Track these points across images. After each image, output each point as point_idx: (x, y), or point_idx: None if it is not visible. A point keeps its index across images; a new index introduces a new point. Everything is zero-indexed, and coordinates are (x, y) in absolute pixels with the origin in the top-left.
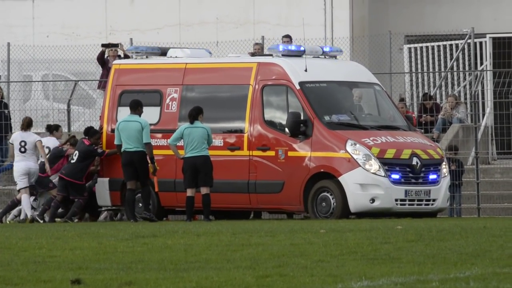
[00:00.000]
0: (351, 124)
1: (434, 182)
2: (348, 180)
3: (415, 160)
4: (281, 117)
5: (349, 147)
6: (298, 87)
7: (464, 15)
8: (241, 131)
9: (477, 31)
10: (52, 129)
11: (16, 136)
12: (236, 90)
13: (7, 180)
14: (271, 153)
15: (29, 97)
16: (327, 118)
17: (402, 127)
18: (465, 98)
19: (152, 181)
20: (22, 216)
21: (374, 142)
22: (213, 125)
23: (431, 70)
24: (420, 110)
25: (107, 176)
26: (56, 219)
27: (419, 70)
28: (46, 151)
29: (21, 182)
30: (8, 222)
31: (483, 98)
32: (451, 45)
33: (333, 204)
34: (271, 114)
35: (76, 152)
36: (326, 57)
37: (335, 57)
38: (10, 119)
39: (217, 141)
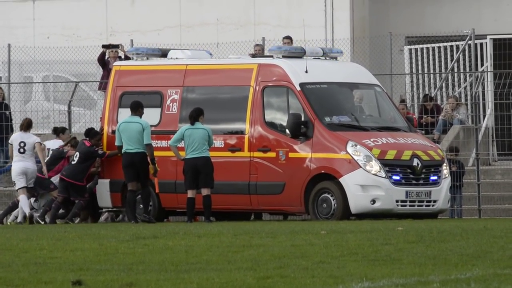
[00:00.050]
0: (351, 125)
1: (435, 183)
2: (349, 181)
3: (415, 161)
4: (281, 118)
5: (349, 148)
6: (298, 88)
7: (464, 16)
8: (241, 132)
9: (478, 32)
10: (59, 132)
11: (16, 137)
12: (237, 91)
13: (7, 182)
14: (271, 154)
15: (30, 98)
16: (327, 119)
17: (403, 128)
18: (466, 99)
19: (153, 182)
20: (19, 219)
21: (375, 143)
22: (214, 126)
23: (431, 71)
24: (421, 111)
25: (107, 178)
26: (57, 220)
27: (420, 71)
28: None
29: (18, 182)
30: (9, 223)
31: (483, 99)
32: (451, 46)
33: (334, 205)
34: (271, 115)
35: (77, 153)
36: (327, 58)
37: (335, 58)
38: (11, 120)
39: (218, 142)
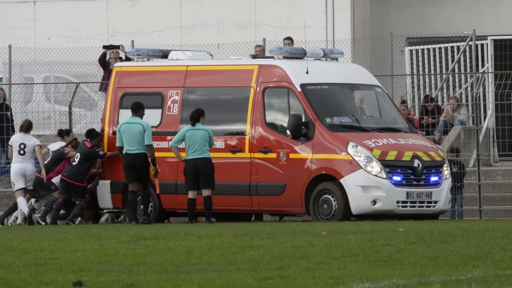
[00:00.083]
0: (352, 126)
1: (436, 184)
2: (350, 182)
3: (416, 162)
4: (282, 119)
5: (350, 149)
6: (299, 89)
7: (465, 17)
8: (242, 133)
9: (479, 33)
10: (63, 134)
11: (16, 138)
12: (238, 92)
13: (8, 183)
14: (272, 155)
15: (31, 99)
16: (328, 120)
17: (404, 129)
18: (467, 100)
19: (154, 183)
20: (19, 221)
21: (376, 144)
22: (215, 127)
23: (432, 72)
24: (422, 112)
25: (108, 178)
26: (58, 221)
27: (421, 72)
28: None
29: (17, 183)
30: (9, 224)
31: (484, 100)
32: (452, 47)
33: (335, 206)
34: (272, 116)
35: (78, 154)
36: (328, 59)
37: (336, 59)
38: (13, 121)
39: (219, 143)
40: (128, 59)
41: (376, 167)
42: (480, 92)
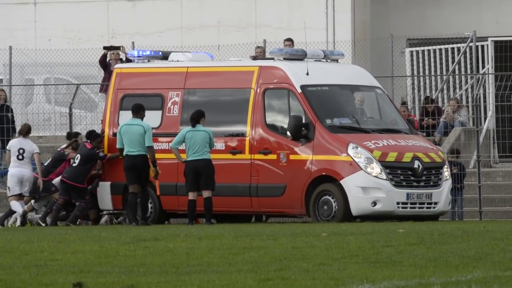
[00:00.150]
0: (352, 128)
1: (436, 185)
2: (350, 183)
3: (416, 163)
4: (282, 121)
5: (350, 151)
6: (299, 90)
7: (466, 19)
8: (242, 134)
9: (479, 34)
10: (72, 136)
11: (15, 143)
12: (238, 93)
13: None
14: (272, 156)
15: (31, 100)
16: (328, 121)
17: (404, 130)
18: (467, 102)
19: (154, 185)
20: (18, 223)
21: (376, 145)
22: (215, 128)
23: (433, 73)
24: (422, 114)
25: (108, 180)
26: (58, 222)
27: (421, 74)
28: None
29: (13, 189)
30: (10, 225)
31: (485, 101)
32: (453, 48)
33: (335, 207)
34: (272, 117)
35: (78, 155)
36: (328, 60)
37: (336, 60)
38: (14, 122)
39: (219, 144)
40: (128, 60)
41: (376, 168)
42: (480, 93)
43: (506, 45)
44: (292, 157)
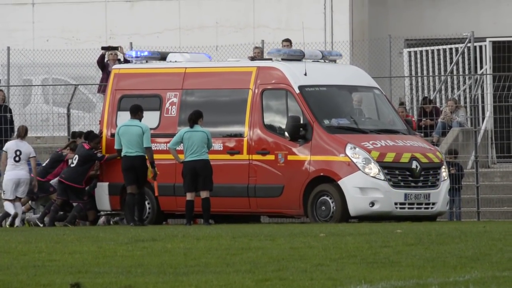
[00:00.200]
0: (350, 128)
1: (434, 185)
2: (348, 184)
3: (414, 164)
4: (280, 121)
5: (348, 151)
6: (297, 91)
7: (463, 19)
8: (240, 135)
9: (477, 35)
10: (76, 136)
11: (12, 145)
12: (236, 94)
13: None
14: (270, 157)
15: (29, 101)
16: (326, 122)
17: (402, 131)
18: (465, 102)
19: (152, 186)
20: (17, 223)
21: (374, 146)
22: (213, 129)
23: (431, 74)
24: (420, 114)
25: (106, 181)
26: (56, 223)
27: (419, 74)
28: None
29: (8, 193)
30: (7, 226)
31: (483, 102)
32: (451, 49)
33: (333, 207)
34: (270, 118)
35: (76, 156)
36: (326, 61)
37: (334, 61)
38: (13, 122)
39: (217, 145)
40: (126, 61)
41: (374, 168)
42: (478, 93)
43: (504, 45)
44: (290, 157)
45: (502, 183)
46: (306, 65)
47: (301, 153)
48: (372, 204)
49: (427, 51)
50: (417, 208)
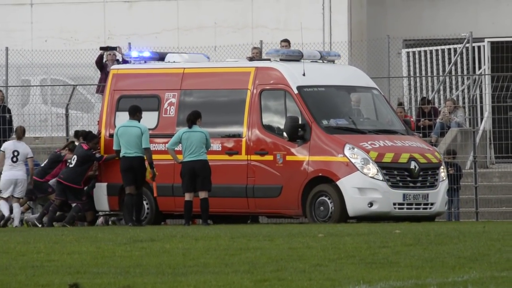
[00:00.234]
0: (349, 128)
1: (432, 186)
2: (346, 184)
3: (413, 164)
4: (279, 122)
5: (347, 151)
6: (296, 91)
7: (462, 19)
8: (239, 135)
9: (475, 35)
10: (79, 135)
11: (9, 145)
12: (234, 94)
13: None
14: (269, 157)
15: (27, 101)
16: (325, 122)
17: (400, 131)
18: (464, 102)
19: (151, 186)
20: (15, 223)
21: (372, 146)
22: (211, 129)
23: (429, 74)
24: (418, 114)
25: (105, 181)
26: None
27: (418, 74)
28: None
29: (5, 192)
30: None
31: (481, 102)
32: (449, 49)
33: (331, 208)
34: (269, 118)
35: (75, 156)
36: (324, 61)
37: (333, 61)
38: (12, 123)
39: (215, 145)
40: (125, 61)
41: (372, 169)
42: (477, 94)
43: (502, 46)
44: (288, 158)
45: (501, 184)
46: (304, 66)
47: (300, 154)
48: (371, 204)
49: (425, 51)
50: (415, 208)
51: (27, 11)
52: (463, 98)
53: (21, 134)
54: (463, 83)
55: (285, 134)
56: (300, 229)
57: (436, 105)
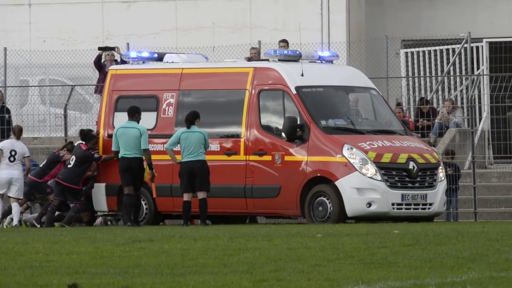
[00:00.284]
0: (347, 129)
1: (431, 186)
2: (345, 185)
3: (411, 165)
4: (277, 122)
5: (345, 152)
6: (294, 91)
7: (460, 20)
8: (237, 135)
9: (474, 35)
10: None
11: (7, 144)
12: (233, 95)
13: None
14: (267, 157)
15: (26, 102)
16: (323, 122)
17: (399, 131)
18: (462, 103)
19: (150, 187)
20: (15, 222)
21: (371, 146)
22: (210, 130)
23: (427, 74)
24: (417, 115)
25: (103, 181)
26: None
27: (416, 75)
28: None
29: (0, 190)
30: (5, 227)
31: (479, 102)
32: (447, 49)
33: (330, 208)
34: (267, 118)
35: (73, 157)
36: (323, 62)
37: (331, 61)
38: (11, 123)
39: (214, 145)
40: (123, 61)
41: (371, 169)
42: (475, 94)
43: (500, 46)
44: (287, 158)
45: (499, 184)
46: (303, 66)
47: (298, 154)
48: (369, 204)
49: (424, 51)
50: (414, 208)
51: (25, 11)
52: (462, 99)
53: (18, 133)
54: (461, 83)
55: (283, 134)
56: (298, 230)
57: (435, 105)
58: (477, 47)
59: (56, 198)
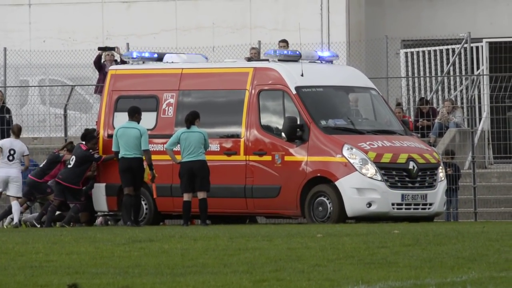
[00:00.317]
0: (347, 129)
1: (431, 186)
2: (345, 185)
3: (411, 165)
4: (277, 122)
5: (345, 152)
6: (294, 91)
7: (460, 20)
8: (237, 136)
9: (474, 35)
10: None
11: (6, 143)
12: (233, 95)
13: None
14: (267, 157)
15: (26, 102)
16: (323, 122)
17: (399, 131)
18: (462, 103)
19: (150, 187)
20: (15, 221)
21: (371, 146)
22: (210, 130)
23: (427, 74)
24: (417, 115)
25: (103, 181)
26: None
27: (416, 75)
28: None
29: None
30: (5, 227)
31: (479, 102)
32: (447, 49)
33: (330, 208)
34: (267, 119)
35: (73, 157)
36: (323, 62)
37: (331, 62)
38: (12, 123)
39: (214, 146)
40: (123, 61)
41: (371, 169)
42: (475, 94)
43: (500, 46)
44: (287, 158)
45: (499, 184)
46: (302, 66)
47: (298, 154)
48: (369, 204)
49: (423, 51)
50: (414, 208)
51: (25, 11)
52: (462, 99)
53: (17, 132)
54: (461, 83)
55: (283, 134)
56: (298, 230)
57: (435, 105)
58: (477, 47)
59: (56, 198)
